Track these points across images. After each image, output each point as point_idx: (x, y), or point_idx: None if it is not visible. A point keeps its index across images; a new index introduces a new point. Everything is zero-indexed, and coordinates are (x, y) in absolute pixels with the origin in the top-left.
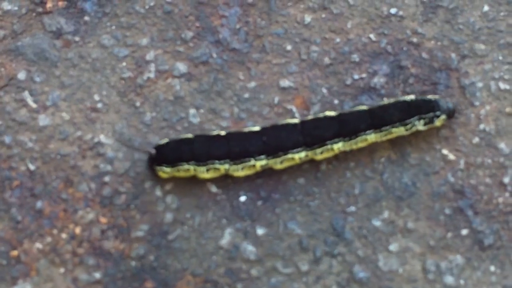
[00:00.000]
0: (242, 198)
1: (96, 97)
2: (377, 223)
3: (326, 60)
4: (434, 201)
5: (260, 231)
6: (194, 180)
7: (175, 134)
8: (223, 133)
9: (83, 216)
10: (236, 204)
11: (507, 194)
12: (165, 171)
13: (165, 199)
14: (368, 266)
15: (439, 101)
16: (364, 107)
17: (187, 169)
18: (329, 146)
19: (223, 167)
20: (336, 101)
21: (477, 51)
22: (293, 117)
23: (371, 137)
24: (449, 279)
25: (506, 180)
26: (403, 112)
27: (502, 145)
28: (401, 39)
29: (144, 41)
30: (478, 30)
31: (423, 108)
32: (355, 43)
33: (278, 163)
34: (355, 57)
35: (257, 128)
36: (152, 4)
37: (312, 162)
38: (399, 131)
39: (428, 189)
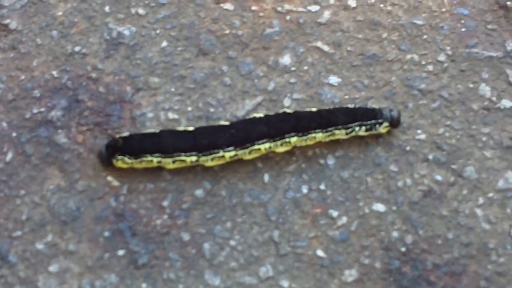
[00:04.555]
0: None
1: None
2: (40, 246)
3: (10, 96)
4: (96, 224)
5: None
6: None
7: None
8: (190, 128)
9: None
10: None
11: (165, 216)
12: (125, 162)
13: None
14: (28, 286)
15: (382, 109)
16: (314, 109)
17: (150, 160)
18: (287, 140)
19: (189, 159)
20: (14, 134)
21: (151, 84)
22: None
23: (319, 136)
24: None
25: (165, 203)
26: (347, 116)
27: (165, 173)
28: (81, 75)
29: None
30: (154, 65)
31: (365, 115)
32: (38, 80)
33: (246, 154)
34: (37, 92)
35: (225, 123)
36: None
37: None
38: (340, 133)
39: (92, 214)
